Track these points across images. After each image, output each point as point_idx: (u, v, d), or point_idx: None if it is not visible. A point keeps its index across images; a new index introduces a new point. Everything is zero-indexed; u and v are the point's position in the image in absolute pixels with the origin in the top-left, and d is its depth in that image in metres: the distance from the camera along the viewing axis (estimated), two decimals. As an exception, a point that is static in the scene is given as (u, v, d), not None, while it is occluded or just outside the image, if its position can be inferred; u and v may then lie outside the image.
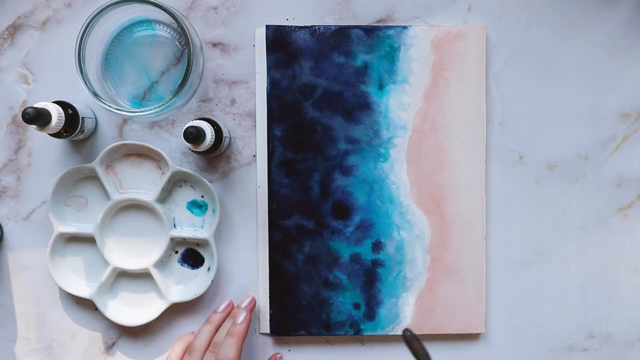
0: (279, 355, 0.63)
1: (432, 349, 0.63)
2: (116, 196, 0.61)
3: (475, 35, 0.61)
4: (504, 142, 0.63)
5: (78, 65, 0.55)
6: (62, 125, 0.56)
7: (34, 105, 0.53)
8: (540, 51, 0.62)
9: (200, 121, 0.56)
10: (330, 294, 0.62)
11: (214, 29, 0.62)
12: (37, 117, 0.52)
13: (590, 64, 0.62)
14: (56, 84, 0.62)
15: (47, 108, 0.54)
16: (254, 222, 0.62)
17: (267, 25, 0.61)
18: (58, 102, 0.57)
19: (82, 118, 0.58)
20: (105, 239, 0.62)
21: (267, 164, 0.62)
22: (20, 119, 0.62)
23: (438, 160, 0.62)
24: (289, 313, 0.62)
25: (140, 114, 0.55)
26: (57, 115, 0.55)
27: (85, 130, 0.60)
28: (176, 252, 0.63)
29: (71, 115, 0.58)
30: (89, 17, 0.55)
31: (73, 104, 0.58)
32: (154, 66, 0.60)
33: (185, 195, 0.62)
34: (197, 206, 0.62)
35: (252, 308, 0.62)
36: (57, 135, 0.57)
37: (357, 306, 0.62)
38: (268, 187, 0.62)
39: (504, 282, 0.63)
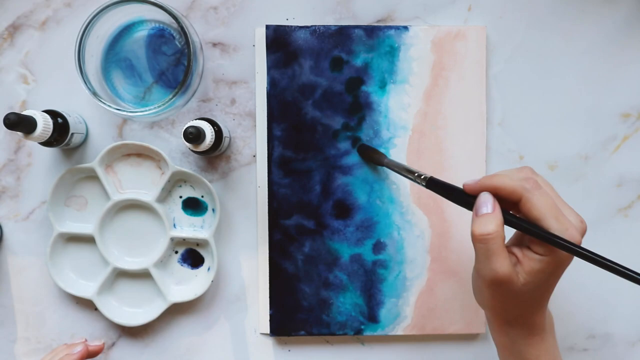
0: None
1: (432, 349, 0.63)
2: (116, 196, 0.61)
3: (475, 35, 0.61)
4: (504, 142, 0.63)
5: (78, 65, 0.55)
6: (48, 134, 0.55)
7: (19, 112, 0.53)
8: (540, 51, 0.62)
9: (200, 121, 0.56)
10: (330, 294, 0.62)
11: (214, 28, 0.62)
12: (18, 123, 0.51)
13: (590, 64, 0.62)
14: (56, 84, 0.62)
15: (32, 116, 0.54)
16: (254, 222, 0.62)
17: (267, 25, 0.61)
18: (50, 111, 0.57)
19: (72, 134, 0.58)
20: (105, 239, 0.62)
21: (267, 164, 0.62)
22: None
23: (438, 160, 0.62)
24: (289, 313, 0.62)
25: (140, 114, 0.55)
26: (42, 123, 0.54)
27: (71, 145, 0.60)
28: (176, 252, 0.63)
29: (61, 124, 0.57)
30: (88, 17, 0.55)
31: (66, 117, 0.58)
32: (153, 66, 0.60)
33: (185, 195, 0.62)
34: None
35: (96, 350, 0.61)
36: (46, 144, 0.57)
37: (357, 306, 0.62)
38: (268, 187, 0.62)
39: (504, 282, 0.63)
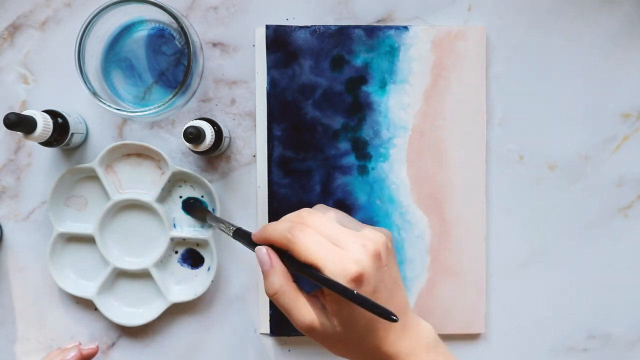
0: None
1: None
2: (116, 196, 0.61)
3: (475, 35, 0.61)
4: (504, 142, 0.63)
5: (78, 65, 0.55)
6: (48, 134, 0.55)
7: (19, 112, 0.53)
8: (540, 51, 0.62)
9: (200, 121, 0.56)
10: (330, 294, 0.62)
11: (214, 29, 0.62)
12: (18, 123, 0.51)
13: (590, 64, 0.62)
14: (56, 84, 0.62)
15: (32, 116, 0.54)
16: (254, 222, 0.62)
17: (267, 25, 0.61)
18: (50, 111, 0.57)
19: (72, 134, 0.58)
20: (105, 239, 0.62)
21: (267, 164, 0.62)
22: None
23: (438, 160, 0.62)
24: (289, 313, 0.62)
25: (140, 114, 0.55)
26: (42, 123, 0.54)
27: (71, 145, 0.60)
28: (176, 252, 0.63)
29: (61, 124, 0.57)
30: (88, 17, 0.55)
31: (66, 117, 0.58)
32: (153, 66, 0.60)
33: (185, 195, 0.62)
34: (197, 206, 0.62)
35: (90, 354, 0.60)
36: (46, 144, 0.57)
37: (357, 306, 0.62)
38: (268, 187, 0.62)
39: (504, 282, 0.63)
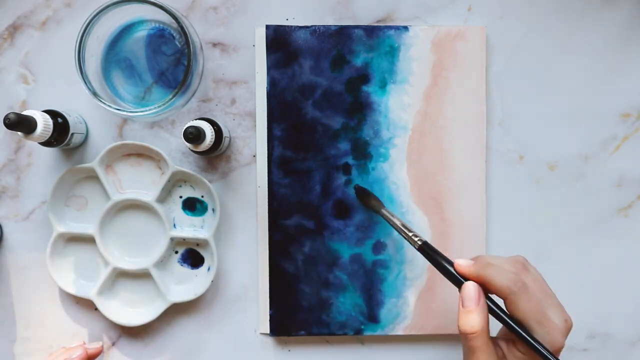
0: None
1: (432, 349, 0.63)
2: (116, 196, 0.61)
3: (475, 35, 0.61)
4: (504, 142, 0.63)
5: (78, 65, 0.55)
6: (48, 134, 0.55)
7: (19, 112, 0.53)
8: (541, 51, 0.62)
9: (200, 121, 0.56)
10: (330, 294, 0.62)
11: (214, 28, 0.62)
12: (18, 123, 0.51)
13: (591, 64, 0.62)
14: (56, 84, 0.62)
15: (32, 116, 0.54)
16: (254, 222, 0.62)
17: (267, 25, 0.61)
18: (50, 111, 0.57)
19: (72, 134, 0.58)
20: (105, 239, 0.62)
21: (267, 164, 0.62)
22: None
23: (438, 160, 0.62)
24: (289, 313, 0.62)
25: (140, 114, 0.55)
26: (42, 123, 0.54)
27: (71, 145, 0.60)
28: (176, 252, 0.63)
29: (61, 124, 0.57)
30: (89, 17, 0.55)
31: (66, 117, 0.58)
32: (153, 66, 0.60)
33: (185, 195, 0.62)
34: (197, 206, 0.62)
35: (95, 353, 0.60)
36: (46, 144, 0.57)
37: (357, 306, 0.62)
38: (268, 187, 0.62)
39: (504, 282, 0.63)
